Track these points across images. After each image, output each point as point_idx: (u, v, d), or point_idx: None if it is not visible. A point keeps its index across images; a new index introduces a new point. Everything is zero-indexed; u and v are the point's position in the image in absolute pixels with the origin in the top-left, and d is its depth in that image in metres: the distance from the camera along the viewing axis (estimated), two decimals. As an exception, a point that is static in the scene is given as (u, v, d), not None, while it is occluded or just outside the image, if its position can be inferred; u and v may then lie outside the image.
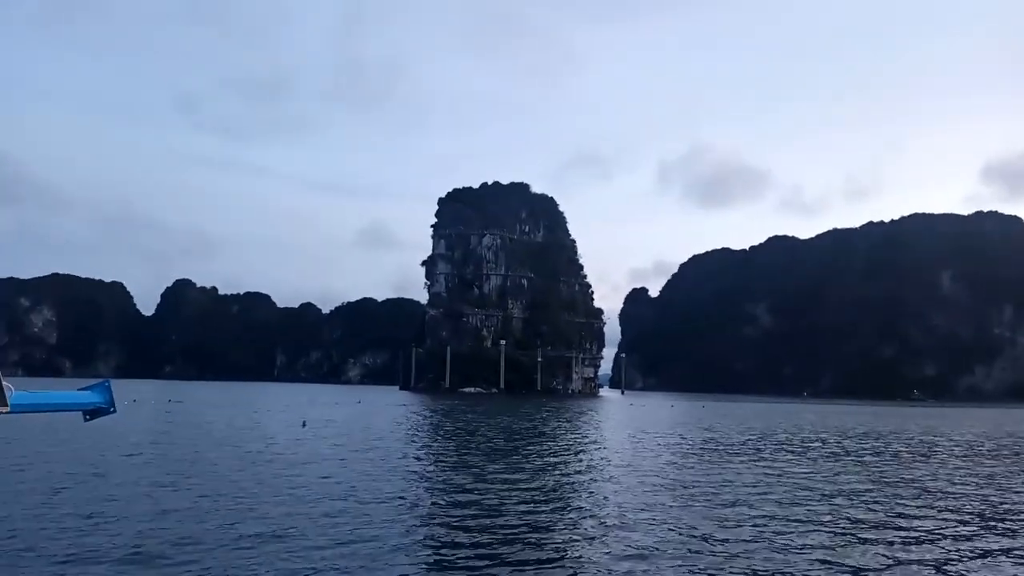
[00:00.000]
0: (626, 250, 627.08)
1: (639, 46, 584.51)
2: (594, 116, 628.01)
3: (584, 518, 13.94)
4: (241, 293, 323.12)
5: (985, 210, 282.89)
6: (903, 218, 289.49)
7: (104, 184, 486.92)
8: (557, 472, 21.11)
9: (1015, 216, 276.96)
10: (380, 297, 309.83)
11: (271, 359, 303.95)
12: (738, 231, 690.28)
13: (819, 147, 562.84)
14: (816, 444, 33.97)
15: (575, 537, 12.19)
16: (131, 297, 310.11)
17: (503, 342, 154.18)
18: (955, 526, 13.84)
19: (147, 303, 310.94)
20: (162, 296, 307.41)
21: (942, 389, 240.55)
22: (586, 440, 34.16)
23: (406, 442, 30.40)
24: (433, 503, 15.36)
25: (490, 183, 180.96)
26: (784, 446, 32.13)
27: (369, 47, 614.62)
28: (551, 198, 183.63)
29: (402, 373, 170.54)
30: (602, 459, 24.87)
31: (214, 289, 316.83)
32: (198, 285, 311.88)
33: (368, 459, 22.76)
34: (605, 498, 16.24)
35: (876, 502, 16.58)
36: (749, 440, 35.09)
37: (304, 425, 36.78)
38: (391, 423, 43.26)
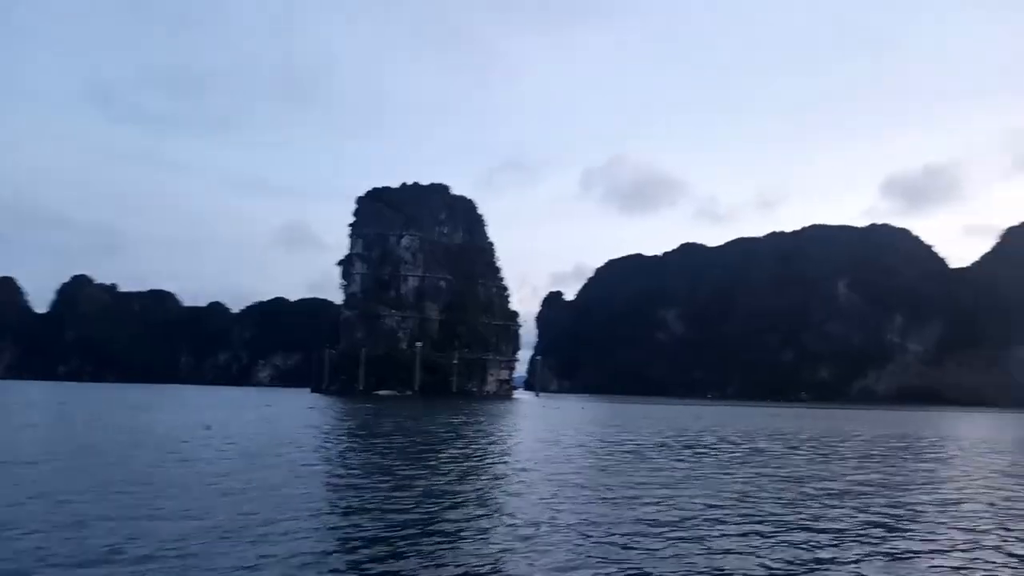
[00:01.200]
0: (548, 254, 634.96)
1: (568, 55, 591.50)
2: (522, 122, 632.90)
3: (499, 524, 13.77)
4: (144, 291, 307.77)
5: (879, 223, 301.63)
6: (804, 229, 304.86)
7: (2, 176, 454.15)
8: (471, 475, 21.17)
9: (905, 229, 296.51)
10: (294, 297, 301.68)
11: (175, 360, 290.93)
12: (655, 238, 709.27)
13: (734, 160, 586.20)
14: (725, 445, 35.21)
15: (492, 544, 11.99)
16: (22, 293, 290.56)
17: (419, 344, 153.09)
18: (864, 526, 14.58)
19: (43, 300, 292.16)
20: (57, 293, 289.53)
21: (838, 392, 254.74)
22: (499, 442, 34.30)
23: (316, 446, 29.69)
24: (346, 511, 14.71)
25: (410, 183, 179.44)
26: (691, 446, 33.16)
27: (297, 45, 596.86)
28: (471, 200, 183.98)
29: (315, 375, 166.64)
30: (515, 461, 25.06)
31: (114, 286, 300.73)
32: (96, 281, 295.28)
33: (276, 464, 22.10)
34: (519, 501, 16.22)
35: (783, 500, 17.28)
36: (660, 441, 36.04)
37: (208, 428, 35.31)
38: (301, 426, 42.15)
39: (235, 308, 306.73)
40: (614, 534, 12.63)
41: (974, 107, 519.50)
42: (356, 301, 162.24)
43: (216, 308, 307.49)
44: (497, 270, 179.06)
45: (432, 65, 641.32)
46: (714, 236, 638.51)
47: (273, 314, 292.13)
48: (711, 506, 16.14)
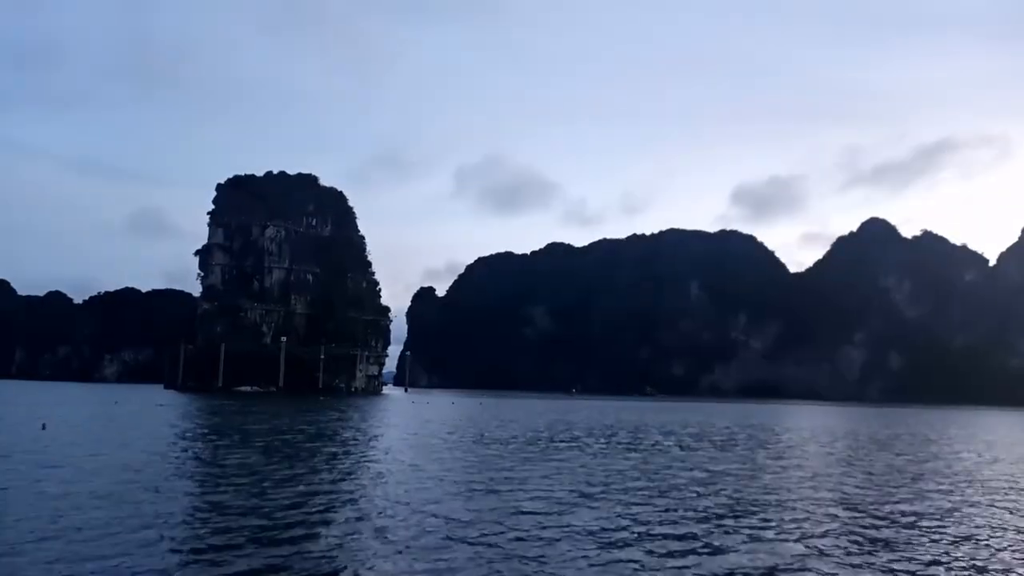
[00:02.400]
0: (421, 250, 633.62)
1: (450, 54, 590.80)
2: (398, 118, 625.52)
3: (366, 522, 13.40)
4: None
5: (729, 229, 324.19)
6: (662, 232, 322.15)
7: None
8: (334, 473, 20.83)
9: (751, 236, 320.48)
10: (147, 288, 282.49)
11: (8, 354, 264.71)
12: (527, 237, 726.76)
13: (603, 165, 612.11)
14: (590, 439, 37.65)
15: (362, 546, 11.49)
16: None
17: (284, 339, 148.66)
18: (723, 509, 16.65)
19: None
20: None
21: (689, 386, 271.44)
22: (367, 438, 34.80)
23: (167, 446, 27.83)
24: (200, 518, 13.41)
25: (276, 172, 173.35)
26: (557, 439, 35.37)
27: (157, 22, 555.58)
28: (340, 192, 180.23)
29: (168, 371, 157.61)
30: (384, 458, 25.47)
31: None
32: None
33: (121, 466, 20.52)
34: (387, 497, 16.05)
35: (639, 489, 19.41)
36: (523, 434, 38.06)
37: (44, 428, 33.08)
38: (152, 425, 40.60)
39: (78, 299, 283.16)
40: (487, 531, 12.73)
41: (816, 127, 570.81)
42: (215, 293, 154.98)
43: (55, 298, 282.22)
44: (368, 264, 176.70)
45: (305, 54, 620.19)
46: (581, 237, 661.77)
47: (122, 306, 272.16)
48: (583, 495, 17.69)
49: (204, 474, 20.22)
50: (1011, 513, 15.93)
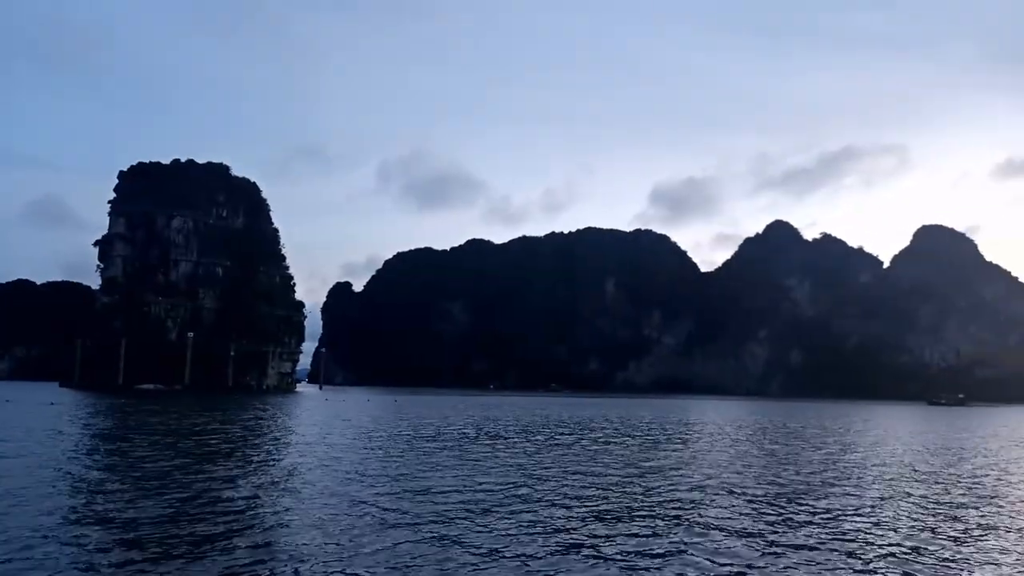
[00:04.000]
0: (342, 245, 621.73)
1: (377, 48, 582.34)
2: (323, 110, 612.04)
3: (279, 525, 13.03)
4: None
5: (644, 228, 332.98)
6: (579, 231, 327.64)
7: None
8: (243, 476, 20.76)
9: (665, 235, 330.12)
10: (43, 280, 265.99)
11: None
12: (450, 233, 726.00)
13: (528, 163, 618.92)
14: (505, 434, 38.07)
15: (276, 550, 11.21)
16: None
17: (191, 334, 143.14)
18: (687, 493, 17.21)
19: None
20: None
21: (606, 381, 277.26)
22: (277, 437, 34.06)
23: (58, 448, 26.62)
24: (102, 530, 12.24)
25: (184, 160, 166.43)
26: (477, 434, 35.63)
27: (68, 4, 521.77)
28: (253, 183, 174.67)
29: (64, 368, 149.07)
30: (298, 457, 24.98)
31: None
32: None
33: (5, 472, 19.49)
34: (301, 499, 15.63)
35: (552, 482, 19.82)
36: (441, 429, 38.15)
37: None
38: (45, 425, 38.43)
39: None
40: (411, 528, 12.78)
41: (730, 132, 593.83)
42: (116, 286, 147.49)
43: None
44: (282, 258, 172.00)
45: (228, 44, 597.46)
46: (504, 234, 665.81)
47: (15, 299, 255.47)
48: (512, 483, 18.11)
49: (92, 480, 18.71)
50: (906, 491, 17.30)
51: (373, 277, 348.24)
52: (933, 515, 15.01)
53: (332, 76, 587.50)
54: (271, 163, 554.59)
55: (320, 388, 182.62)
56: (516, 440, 32.80)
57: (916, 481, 20.87)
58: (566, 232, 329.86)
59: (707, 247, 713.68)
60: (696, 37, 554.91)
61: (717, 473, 21.77)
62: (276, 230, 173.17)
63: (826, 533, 12.96)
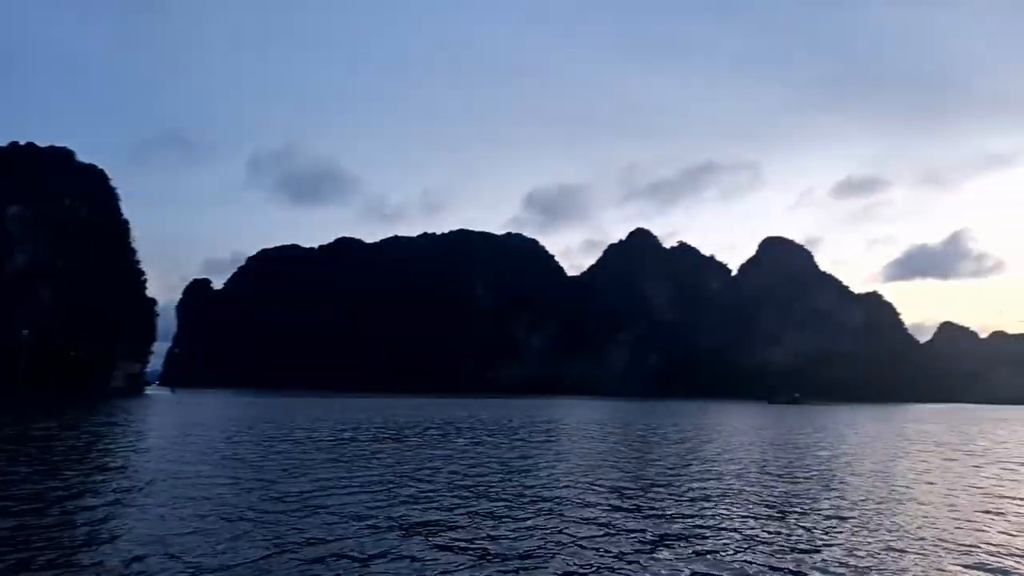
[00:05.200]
0: (205, 240, 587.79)
1: (253, 37, 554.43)
2: (188, 96, 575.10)
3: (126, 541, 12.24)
4: None
5: (515, 232, 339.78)
6: (452, 232, 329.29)
7: None
8: (80, 483, 20.09)
9: (534, 239, 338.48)
10: None
11: None
12: (323, 231, 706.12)
13: (406, 162, 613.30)
14: (361, 430, 37.96)
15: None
16: None
17: (26, 332, 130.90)
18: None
19: None
20: None
21: (476, 382, 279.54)
22: (117, 444, 32.28)
23: None
24: None
25: (23, 143, 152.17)
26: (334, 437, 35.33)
27: None
28: (101, 170, 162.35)
29: None
30: (139, 464, 24.19)
31: None
32: None
33: None
34: (146, 510, 14.99)
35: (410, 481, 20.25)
36: (303, 434, 37.49)
37: None
38: None
39: None
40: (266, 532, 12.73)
41: (603, 142, 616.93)
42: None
43: None
44: (132, 251, 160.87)
45: (82, 16, 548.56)
46: (378, 233, 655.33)
47: None
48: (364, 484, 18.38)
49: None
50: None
51: (235, 275, 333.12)
52: (765, 500, 16.98)
53: (202, 62, 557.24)
54: (129, 150, 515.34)
55: (172, 391, 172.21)
56: (390, 444, 33.09)
57: (750, 473, 23.27)
58: (439, 233, 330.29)
59: (577, 252, 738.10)
60: (577, 49, 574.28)
61: (578, 470, 23.22)
62: (126, 222, 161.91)
63: (683, 519, 14.44)
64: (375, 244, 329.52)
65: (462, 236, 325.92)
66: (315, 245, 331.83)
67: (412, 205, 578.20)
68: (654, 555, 11.37)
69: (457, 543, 12.11)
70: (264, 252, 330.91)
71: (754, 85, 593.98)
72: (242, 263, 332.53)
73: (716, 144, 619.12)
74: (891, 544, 12.19)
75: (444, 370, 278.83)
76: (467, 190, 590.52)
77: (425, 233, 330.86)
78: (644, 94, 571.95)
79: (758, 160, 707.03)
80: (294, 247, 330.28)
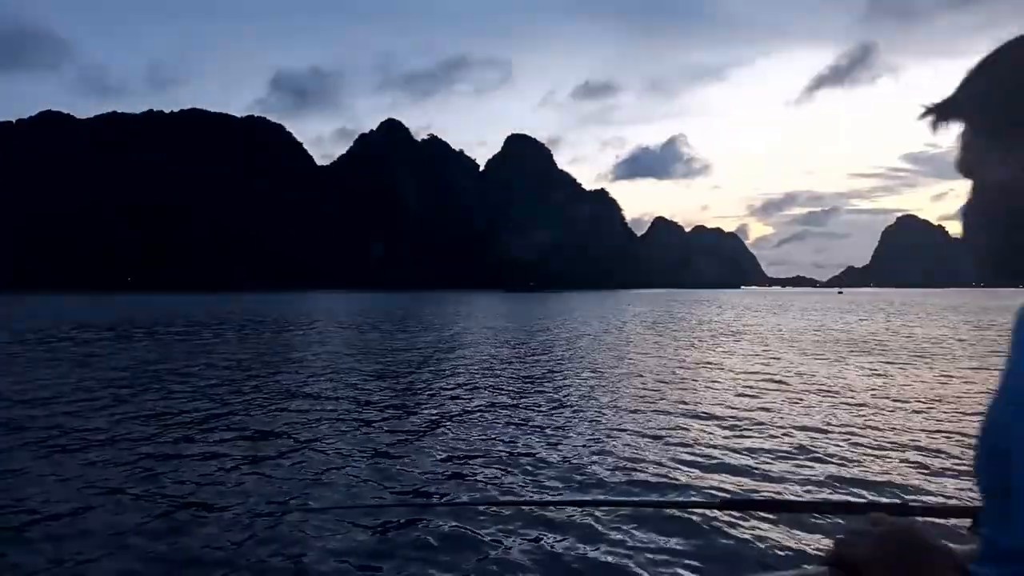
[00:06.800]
0: None
1: None
2: None
3: None
4: None
5: (257, 115, 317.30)
6: (184, 111, 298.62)
7: None
8: None
9: (280, 124, 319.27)
10: None
11: None
12: (23, 101, 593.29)
13: (131, 27, 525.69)
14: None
15: None
16: None
17: None
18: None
19: None
20: None
21: (215, 275, 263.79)
22: None
23: None
24: None
25: None
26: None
27: None
28: None
29: None
30: None
31: None
32: None
33: None
34: None
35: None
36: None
37: None
38: None
39: None
40: None
41: (358, 26, 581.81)
42: None
43: None
44: None
45: None
46: (92, 108, 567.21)
47: None
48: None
49: None
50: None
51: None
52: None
53: None
54: None
55: None
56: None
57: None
58: (168, 112, 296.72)
59: (329, 142, 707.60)
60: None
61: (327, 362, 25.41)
62: None
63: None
64: (88, 120, 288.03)
65: (196, 116, 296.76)
66: (12, 119, 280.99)
67: (137, 79, 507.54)
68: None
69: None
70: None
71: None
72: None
73: (471, 40, 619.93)
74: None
75: (180, 263, 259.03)
76: (204, 66, 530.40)
77: (151, 110, 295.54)
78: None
79: (509, 58, 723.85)
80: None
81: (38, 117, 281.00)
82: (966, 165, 0.57)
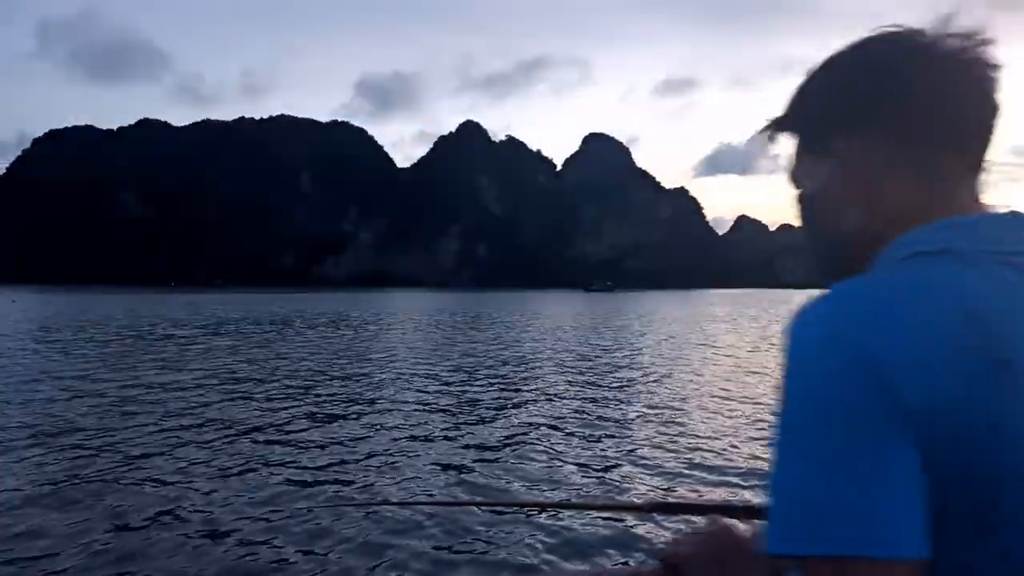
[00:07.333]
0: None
1: None
2: None
3: None
4: None
5: (341, 120, 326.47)
6: (273, 118, 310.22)
7: None
8: None
9: (363, 128, 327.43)
10: None
11: None
12: (124, 111, 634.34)
13: (224, 38, 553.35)
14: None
15: None
16: None
17: None
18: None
19: None
20: None
21: (301, 277, 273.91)
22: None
23: None
24: None
25: None
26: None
27: None
28: None
29: None
30: None
31: None
32: None
33: None
34: None
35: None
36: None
37: None
38: None
39: None
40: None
41: (435, 29, 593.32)
42: None
43: None
44: None
45: None
46: (188, 116, 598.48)
47: None
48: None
49: None
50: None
51: (20, 157, 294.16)
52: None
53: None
54: None
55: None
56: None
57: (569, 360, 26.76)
58: (258, 119, 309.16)
59: (409, 143, 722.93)
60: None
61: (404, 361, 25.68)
62: None
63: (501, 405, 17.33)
64: (186, 127, 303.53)
65: (285, 122, 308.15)
66: (114, 127, 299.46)
67: (230, 86, 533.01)
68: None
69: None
70: (54, 133, 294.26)
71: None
72: (27, 145, 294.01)
73: (549, 40, 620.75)
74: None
75: (268, 265, 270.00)
76: (293, 73, 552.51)
77: (243, 118, 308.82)
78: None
79: (587, 57, 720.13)
80: (90, 128, 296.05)
81: (138, 123, 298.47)
82: (791, 177, 0.56)
